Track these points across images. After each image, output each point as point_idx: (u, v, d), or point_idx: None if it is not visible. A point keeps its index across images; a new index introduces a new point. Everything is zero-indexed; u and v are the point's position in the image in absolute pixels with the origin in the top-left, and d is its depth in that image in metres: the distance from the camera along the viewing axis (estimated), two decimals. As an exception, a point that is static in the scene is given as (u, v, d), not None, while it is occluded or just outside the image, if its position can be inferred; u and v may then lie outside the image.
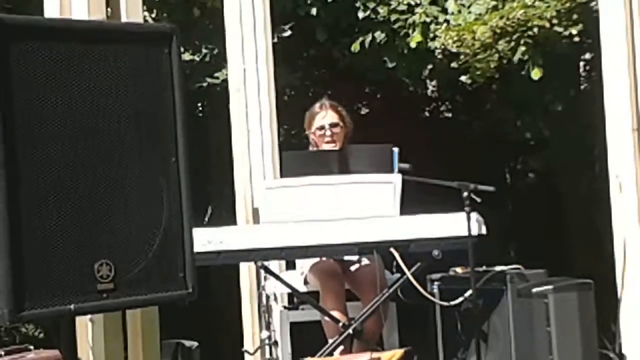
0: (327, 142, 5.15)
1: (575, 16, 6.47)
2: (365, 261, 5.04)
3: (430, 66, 8.04)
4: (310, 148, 5.31)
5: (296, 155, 5.10)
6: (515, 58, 6.56)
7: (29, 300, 2.52)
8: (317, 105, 5.24)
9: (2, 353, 3.93)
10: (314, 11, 7.90)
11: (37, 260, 2.54)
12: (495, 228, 4.76)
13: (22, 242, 2.51)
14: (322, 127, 5.17)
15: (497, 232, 4.92)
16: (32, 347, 4.09)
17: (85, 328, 3.02)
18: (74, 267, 2.60)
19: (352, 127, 5.24)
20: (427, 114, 10.52)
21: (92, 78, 2.70)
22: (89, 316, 2.99)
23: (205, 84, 8.07)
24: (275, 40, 6.98)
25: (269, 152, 6.12)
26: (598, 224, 8.08)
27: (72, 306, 2.58)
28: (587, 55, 8.47)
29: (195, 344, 3.66)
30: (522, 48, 6.49)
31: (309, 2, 7.91)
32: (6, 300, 2.48)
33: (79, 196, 2.63)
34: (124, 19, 3.59)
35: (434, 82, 9.81)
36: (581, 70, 8.86)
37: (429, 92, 10.23)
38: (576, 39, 6.55)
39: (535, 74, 6.62)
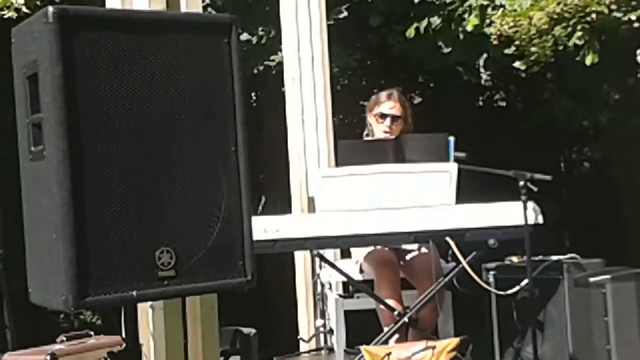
0: (385, 132, 5.15)
1: (634, 2, 6.38)
2: (421, 250, 5.04)
3: (485, 55, 7.98)
4: (365, 131, 5.31)
5: (352, 144, 5.09)
6: (571, 43, 6.49)
7: (93, 287, 2.55)
8: (386, 93, 5.23)
9: (64, 338, 4.00)
10: None
11: (100, 247, 2.57)
12: (550, 217, 4.73)
13: (86, 230, 2.54)
14: (384, 116, 5.17)
15: (552, 222, 4.88)
16: (92, 333, 4.16)
17: (146, 314, 3.05)
18: (136, 255, 2.62)
19: (412, 126, 5.23)
20: (481, 102, 10.47)
21: (153, 68, 2.72)
22: (149, 303, 3.02)
23: (261, 68, 8.08)
24: (331, 22, 6.97)
25: (324, 141, 6.14)
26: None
27: (134, 293, 2.61)
28: (645, 43, 8.35)
29: (253, 330, 3.69)
30: (579, 34, 6.42)
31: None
32: (70, 287, 2.51)
33: (140, 185, 2.65)
34: (183, 8, 3.61)
35: (488, 72, 9.75)
36: (638, 58, 8.73)
37: (482, 81, 10.17)
38: (636, 24, 6.46)
39: (590, 59, 6.53)
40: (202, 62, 2.79)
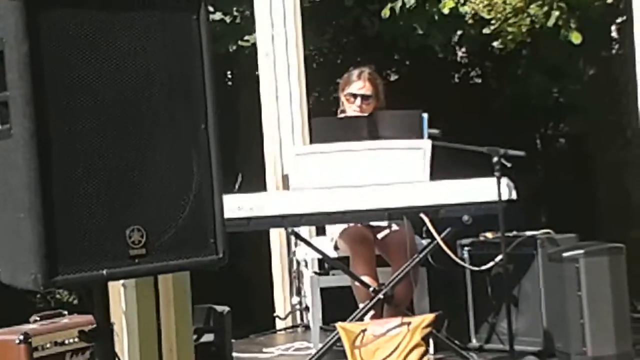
0: (355, 111, 5.16)
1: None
2: (395, 227, 5.06)
3: (460, 32, 7.98)
4: (340, 109, 5.31)
5: (326, 121, 5.10)
6: (550, 22, 6.49)
7: (62, 266, 2.53)
8: (357, 72, 5.20)
9: (37, 318, 3.99)
10: None
11: (69, 226, 2.54)
12: (526, 193, 4.75)
13: (54, 209, 2.52)
14: (354, 95, 5.16)
15: (528, 198, 4.91)
16: (65, 312, 4.15)
17: (118, 293, 3.05)
18: (106, 233, 2.60)
19: (385, 102, 5.23)
20: (456, 80, 10.49)
21: (121, 45, 2.69)
22: (121, 281, 3.01)
23: (235, 47, 8.06)
24: (306, 4, 6.95)
25: (299, 119, 6.14)
26: (629, 188, 8.05)
27: (104, 271, 2.59)
28: (620, 19, 8.38)
29: (227, 308, 3.69)
30: (556, 13, 6.42)
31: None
32: (39, 266, 2.49)
33: (110, 163, 2.63)
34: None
35: (463, 49, 9.75)
36: (614, 34, 8.76)
37: (458, 58, 10.18)
38: (609, 1, 6.47)
39: (576, 37, 6.53)
40: (171, 39, 2.76)
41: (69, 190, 2.55)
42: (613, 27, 8.75)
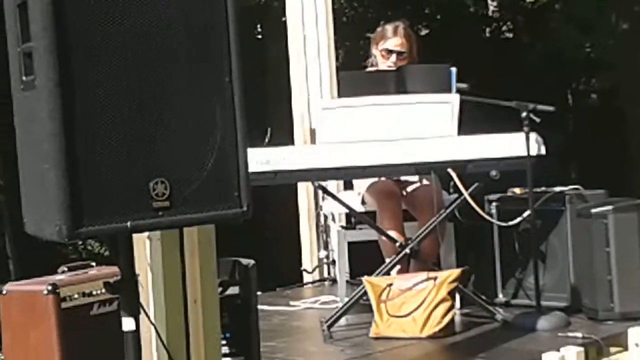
0: (389, 66, 5.12)
1: None
2: (422, 181, 5.04)
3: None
4: (370, 62, 5.27)
5: (353, 75, 5.07)
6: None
7: (87, 217, 2.53)
8: (392, 28, 5.15)
9: (65, 269, 4.01)
10: None
11: (93, 178, 2.54)
12: (557, 149, 4.70)
13: (79, 160, 2.52)
14: (389, 51, 5.12)
15: (559, 153, 4.86)
16: (94, 263, 4.17)
17: (144, 245, 3.05)
18: (130, 185, 2.60)
19: (417, 59, 5.18)
20: (487, 34, 10.38)
21: (145, -4, 2.67)
22: (146, 234, 3.01)
23: (263, 0, 8.03)
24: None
25: (327, 73, 6.11)
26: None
27: (128, 223, 2.59)
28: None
29: (252, 261, 3.69)
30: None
31: None
32: (64, 217, 2.49)
33: (133, 115, 2.62)
34: None
35: (495, 2, 9.65)
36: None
37: (489, 12, 10.07)
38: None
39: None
40: (195, -10, 2.74)
41: (93, 141, 2.55)
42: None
